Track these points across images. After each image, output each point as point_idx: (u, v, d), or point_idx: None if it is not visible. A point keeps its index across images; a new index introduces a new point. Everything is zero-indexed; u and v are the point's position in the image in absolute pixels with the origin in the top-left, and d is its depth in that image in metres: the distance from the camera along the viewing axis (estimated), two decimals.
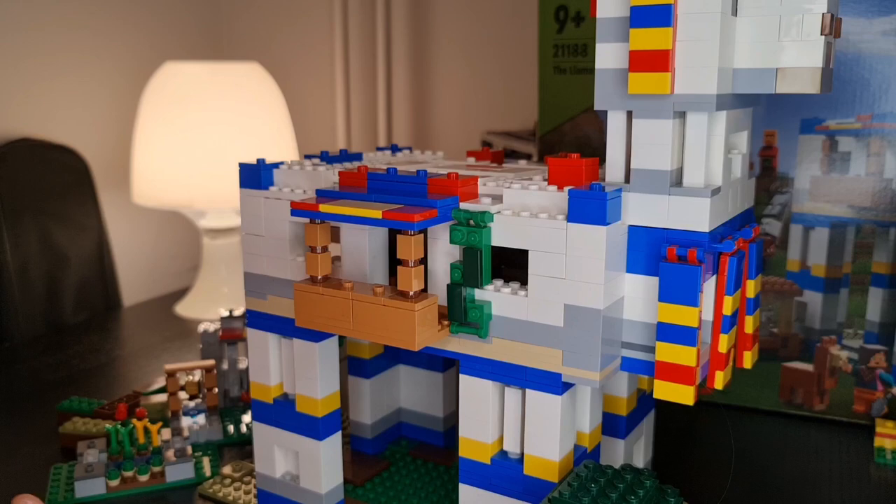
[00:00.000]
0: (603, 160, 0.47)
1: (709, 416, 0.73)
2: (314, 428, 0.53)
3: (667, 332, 0.43)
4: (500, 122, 1.26)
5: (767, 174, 0.69)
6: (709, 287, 0.45)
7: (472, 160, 0.63)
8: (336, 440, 0.54)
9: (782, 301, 0.71)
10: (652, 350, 0.44)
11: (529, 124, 1.18)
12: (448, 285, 0.45)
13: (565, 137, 0.78)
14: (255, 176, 0.53)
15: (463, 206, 0.45)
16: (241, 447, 0.70)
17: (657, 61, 0.41)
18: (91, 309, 1.20)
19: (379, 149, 0.65)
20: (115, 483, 0.62)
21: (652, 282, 0.44)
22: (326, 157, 0.57)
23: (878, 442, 0.66)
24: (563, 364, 0.44)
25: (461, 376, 0.47)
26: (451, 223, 0.45)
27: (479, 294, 0.45)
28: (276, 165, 0.53)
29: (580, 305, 0.42)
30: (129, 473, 0.62)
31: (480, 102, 1.31)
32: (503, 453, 0.48)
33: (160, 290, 1.31)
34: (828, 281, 0.69)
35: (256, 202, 0.53)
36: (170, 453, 0.65)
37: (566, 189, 0.43)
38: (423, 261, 0.45)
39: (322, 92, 1.46)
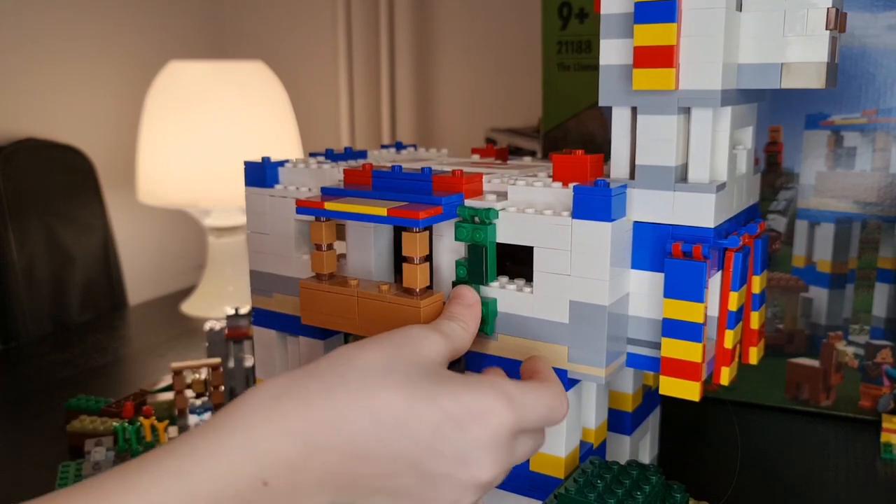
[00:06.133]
0: (607, 157, 0.47)
1: (714, 413, 0.73)
2: None
3: (672, 328, 0.43)
4: (504, 119, 1.25)
5: (772, 170, 0.69)
6: (714, 283, 0.45)
7: (476, 157, 0.63)
8: None
9: (788, 297, 0.71)
10: (657, 346, 0.44)
11: (534, 121, 1.18)
12: (453, 283, 0.46)
13: (570, 134, 0.78)
14: (261, 174, 0.53)
15: (468, 202, 0.45)
16: None
17: (662, 57, 0.41)
18: (97, 308, 1.20)
19: (383, 146, 0.65)
20: None
21: (657, 278, 0.44)
22: (331, 155, 0.57)
23: (884, 437, 0.66)
24: (568, 360, 0.44)
25: (466, 373, 0.47)
26: (456, 220, 0.45)
27: (484, 291, 0.45)
28: (282, 164, 0.53)
29: (585, 302, 0.42)
30: None
31: (484, 99, 1.31)
32: None
33: (166, 289, 1.31)
34: (833, 277, 0.69)
35: (262, 200, 0.53)
36: None
37: (571, 185, 0.43)
38: (429, 258, 0.45)
39: (326, 90, 1.46)
